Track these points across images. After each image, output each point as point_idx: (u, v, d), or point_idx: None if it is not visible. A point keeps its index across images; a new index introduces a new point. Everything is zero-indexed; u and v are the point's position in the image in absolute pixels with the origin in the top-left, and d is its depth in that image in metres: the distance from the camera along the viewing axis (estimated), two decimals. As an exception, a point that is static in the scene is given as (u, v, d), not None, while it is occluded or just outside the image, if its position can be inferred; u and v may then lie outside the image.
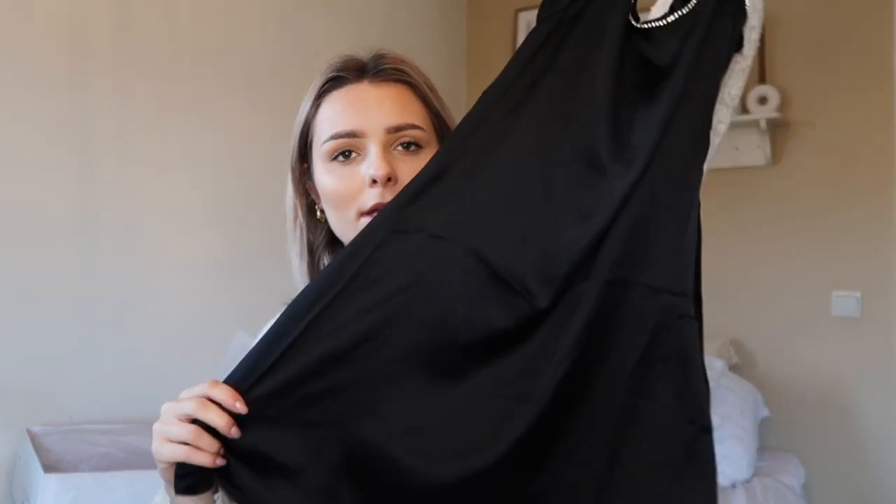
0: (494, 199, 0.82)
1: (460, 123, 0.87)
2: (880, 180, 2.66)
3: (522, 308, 0.78)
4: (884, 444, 2.65)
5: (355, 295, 0.80)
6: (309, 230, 0.98)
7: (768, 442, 2.81)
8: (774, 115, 2.73)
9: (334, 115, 0.91)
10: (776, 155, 2.84)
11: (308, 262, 0.97)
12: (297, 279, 0.98)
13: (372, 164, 0.87)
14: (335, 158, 0.90)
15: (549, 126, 0.84)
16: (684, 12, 0.84)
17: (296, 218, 0.98)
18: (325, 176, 0.91)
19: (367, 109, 0.90)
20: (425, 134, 0.92)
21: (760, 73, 2.82)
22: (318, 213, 0.97)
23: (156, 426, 0.80)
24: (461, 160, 0.84)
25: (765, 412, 2.72)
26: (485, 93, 0.87)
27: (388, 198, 0.86)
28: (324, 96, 0.93)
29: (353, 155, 0.90)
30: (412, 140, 0.90)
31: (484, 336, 0.78)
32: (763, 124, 2.73)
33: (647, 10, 0.87)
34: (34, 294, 1.99)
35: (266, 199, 2.56)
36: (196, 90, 2.34)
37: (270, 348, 0.80)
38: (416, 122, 0.91)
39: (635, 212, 0.79)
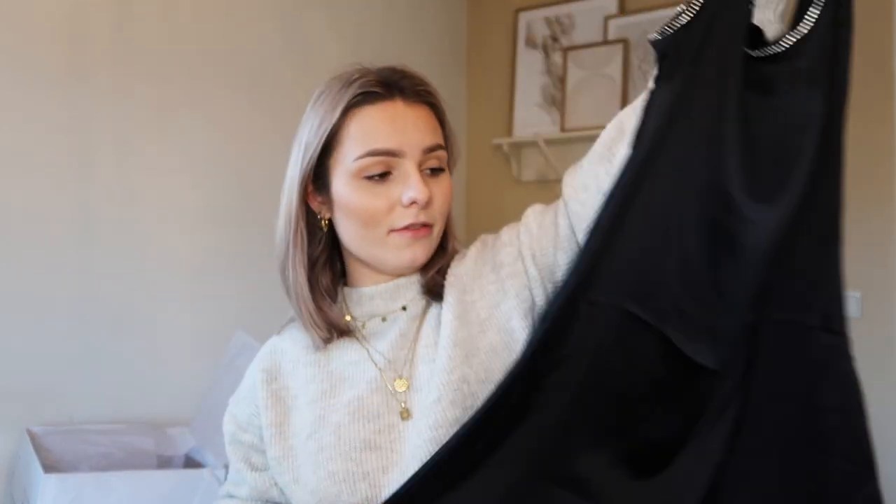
0: (650, 256, 0.82)
1: (612, 192, 0.85)
2: (880, 180, 2.66)
3: (693, 371, 0.77)
4: (884, 445, 2.64)
5: (547, 373, 0.82)
6: (309, 243, 0.95)
7: (768, 442, 2.81)
8: (774, 115, 2.72)
9: (371, 132, 0.89)
10: (776, 155, 2.83)
11: (308, 276, 0.94)
12: (299, 295, 0.94)
13: (413, 186, 0.88)
14: (368, 176, 0.90)
15: (685, 168, 0.82)
16: (805, 32, 0.80)
17: (297, 231, 0.94)
18: (355, 193, 0.90)
19: (406, 129, 0.90)
20: (446, 154, 0.94)
21: (760, 73, 2.82)
22: (323, 223, 0.95)
23: None
24: (623, 219, 0.84)
25: (765, 412, 2.72)
26: (633, 147, 0.85)
27: (423, 218, 0.89)
28: (353, 109, 0.90)
29: (387, 173, 0.90)
30: (438, 164, 0.93)
31: (661, 412, 0.79)
32: (763, 124, 2.73)
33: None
34: (34, 294, 1.99)
35: (265, 199, 2.55)
36: (195, 90, 2.34)
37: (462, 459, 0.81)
38: (442, 143, 0.93)
39: (787, 245, 0.76)
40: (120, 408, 2.13)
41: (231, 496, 1.02)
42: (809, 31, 0.80)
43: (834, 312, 0.77)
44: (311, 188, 0.94)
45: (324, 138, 0.91)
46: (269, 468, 0.97)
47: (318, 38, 2.68)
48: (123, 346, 2.16)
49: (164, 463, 2.05)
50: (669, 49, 0.83)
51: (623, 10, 2.90)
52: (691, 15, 0.81)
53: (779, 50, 0.81)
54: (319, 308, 0.94)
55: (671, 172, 0.82)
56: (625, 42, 2.85)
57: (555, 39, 3.10)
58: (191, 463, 2.08)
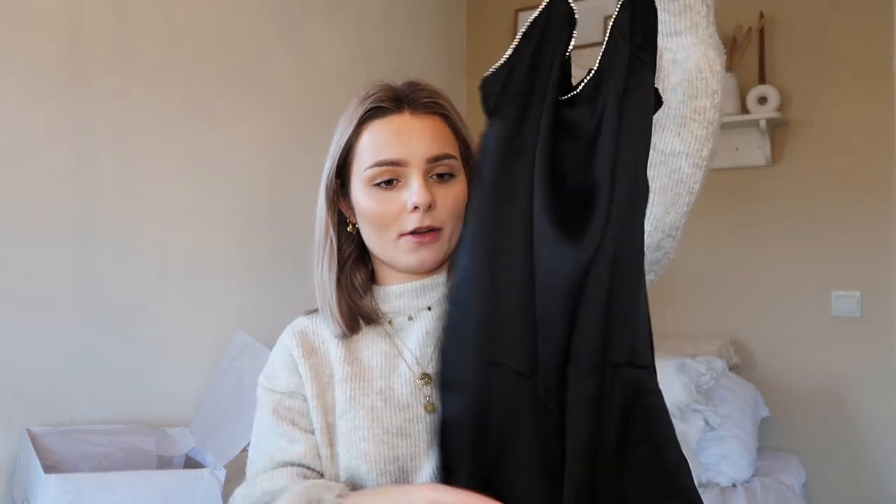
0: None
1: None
2: (880, 180, 2.66)
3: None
4: (884, 444, 2.65)
5: None
6: (339, 245, 1.04)
7: (768, 442, 2.81)
8: (774, 114, 2.73)
9: (379, 144, 0.98)
10: (776, 155, 2.84)
11: (337, 275, 1.03)
12: (324, 291, 1.03)
13: (415, 192, 0.95)
14: (377, 184, 0.97)
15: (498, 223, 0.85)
16: (594, 69, 0.84)
17: (327, 233, 1.03)
18: (367, 199, 0.98)
19: (410, 140, 0.97)
20: (457, 162, 1.00)
21: (760, 73, 2.82)
22: (351, 226, 1.04)
23: None
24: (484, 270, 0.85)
25: (765, 412, 2.73)
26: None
27: (427, 222, 0.96)
28: (366, 123, 0.99)
29: (395, 181, 0.97)
30: (447, 170, 0.98)
31: None
32: (763, 124, 2.73)
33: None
34: (34, 295, 1.99)
35: (265, 199, 2.56)
36: (194, 91, 2.34)
37: None
38: (451, 152, 0.99)
39: (592, 290, 0.78)
40: (120, 408, 2.13)
41: (284, 464, 1.00)
42: (596, 71, 0.83)
43: (639, 347, 0.80)
44: (340, 195, 1.03)
45: (341, 150, 1.01)
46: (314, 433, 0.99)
47: (318, 39, 2.68)
48: (123, 347, 2.16)
49: (164, 463, 2.05)
50: (494, 87, 0.85)
51: (623, 10, 2.91)
52: (508, 55, 0.85)
53: (574, 93, 0.84)
54: (347, 303, 1.02)
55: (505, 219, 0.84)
56: (625, 42, 2.85)
57: (555, 39, 3.10)
58: (191, 463, 2.08)
